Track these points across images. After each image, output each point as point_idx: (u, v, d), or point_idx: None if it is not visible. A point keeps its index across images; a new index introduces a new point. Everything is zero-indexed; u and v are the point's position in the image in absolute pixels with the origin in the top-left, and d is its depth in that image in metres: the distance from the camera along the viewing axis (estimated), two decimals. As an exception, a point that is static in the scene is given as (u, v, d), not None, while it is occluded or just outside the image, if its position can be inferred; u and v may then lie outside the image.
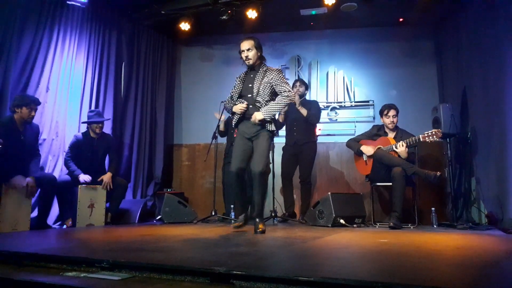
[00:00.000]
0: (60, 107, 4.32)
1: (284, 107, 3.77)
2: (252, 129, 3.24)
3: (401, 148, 3.90)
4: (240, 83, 3.37)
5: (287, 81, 3.32)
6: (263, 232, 3.04)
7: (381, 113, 4.27)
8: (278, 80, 3.23)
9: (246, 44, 3.27)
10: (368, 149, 4.20)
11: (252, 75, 3.33)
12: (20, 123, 3.62)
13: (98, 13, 4.87)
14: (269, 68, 3.30)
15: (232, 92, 3.43)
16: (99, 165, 4.32)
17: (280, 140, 5.04)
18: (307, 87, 4.88)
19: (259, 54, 3.30)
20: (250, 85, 3.28)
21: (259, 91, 3.23)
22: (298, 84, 4.76)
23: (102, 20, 4.92)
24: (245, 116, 3.29)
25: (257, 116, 3.15)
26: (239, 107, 3.26)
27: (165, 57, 5.90)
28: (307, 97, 4.92)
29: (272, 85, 3.24)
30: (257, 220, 3.14)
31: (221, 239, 2.72)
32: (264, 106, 3.20)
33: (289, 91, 3.21)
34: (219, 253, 1.97)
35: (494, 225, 3.73)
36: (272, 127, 3.22)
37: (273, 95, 3.28)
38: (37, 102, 3.73)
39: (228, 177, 4.79)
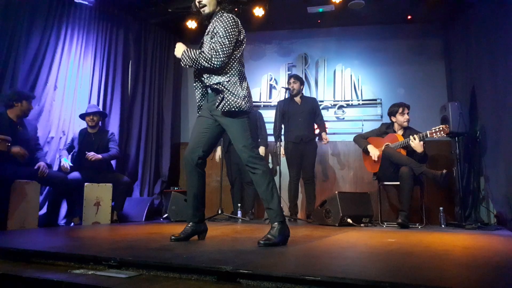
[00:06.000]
0: (67, 105, 4.35)
1: (191, 64, 2.35)
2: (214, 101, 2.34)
3: (415, 142, 3.85)
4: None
5: (227, 34, 2.32)
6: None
7: (395, 112, 4.18)
8: (218, 27, 2.35)
9: None
10: (374, 152, 4.13)
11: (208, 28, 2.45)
12: (16, 117, 3.59)
13: (105, 12, 4.90)
14: (222, 14, 2.46)
15: None
16: (98, 162, 4.15)
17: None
18: (302, 82, 4.72)
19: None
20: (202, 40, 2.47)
21: (203, 42, 2.45)
22: (292, 80, 4.57)
23: (109, 18, 4.95)
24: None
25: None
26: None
27: (172, 56, 5.89)
28: (305, 93, 4.77)
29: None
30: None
31: (227, 237, 2.72)
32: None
33: (212, 50, 2.27)
34: (225, 251, 1.97)
35: (503, 225, 3.68)
36: (234, 100, 2.24)
37: None
38: (33, 96, 3.77)
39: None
